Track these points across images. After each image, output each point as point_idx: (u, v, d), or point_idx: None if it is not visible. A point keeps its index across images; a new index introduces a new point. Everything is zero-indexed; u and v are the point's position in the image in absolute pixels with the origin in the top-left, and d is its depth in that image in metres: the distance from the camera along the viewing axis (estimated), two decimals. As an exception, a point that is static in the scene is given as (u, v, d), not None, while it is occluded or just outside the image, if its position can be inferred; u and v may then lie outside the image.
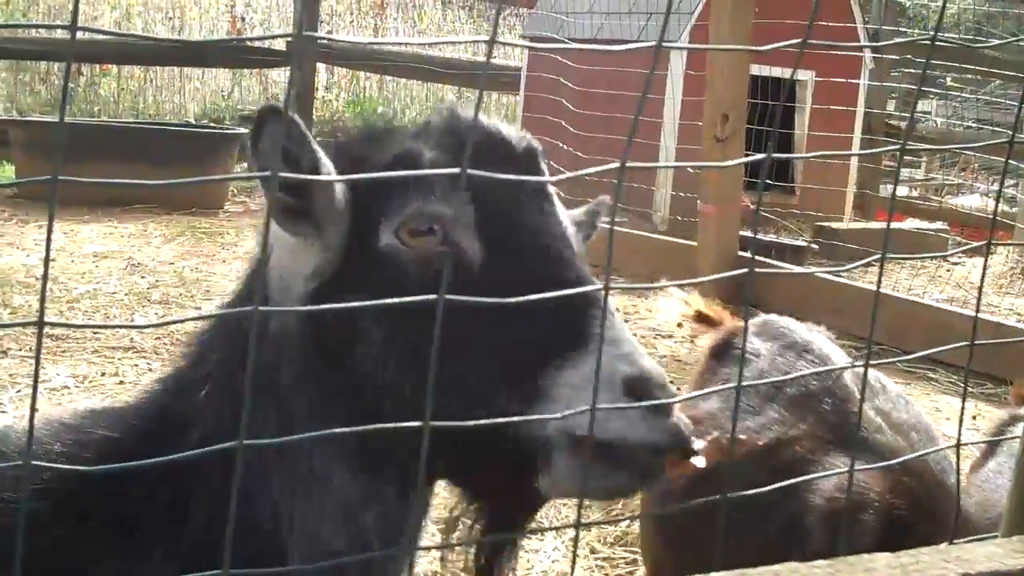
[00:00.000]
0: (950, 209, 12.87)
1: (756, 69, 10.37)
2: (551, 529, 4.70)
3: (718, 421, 3.21)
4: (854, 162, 12.72)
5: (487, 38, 1.30)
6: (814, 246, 10.50)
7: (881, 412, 3.11)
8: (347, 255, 1.91)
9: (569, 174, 1.50)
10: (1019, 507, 1.56)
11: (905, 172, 15.93)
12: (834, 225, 11.14)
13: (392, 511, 1.97)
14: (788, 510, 2.89)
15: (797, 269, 8.55)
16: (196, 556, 1.79)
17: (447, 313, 1.49)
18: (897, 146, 1.58)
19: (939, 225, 12.07)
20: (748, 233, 9.15)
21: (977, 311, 1.71)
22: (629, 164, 1.32)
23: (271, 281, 1.95)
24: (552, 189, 2.01)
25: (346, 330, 1.87)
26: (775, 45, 1.52)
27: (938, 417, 6.22)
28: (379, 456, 1.93)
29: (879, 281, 1.56)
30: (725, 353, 3.50)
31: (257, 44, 15.51)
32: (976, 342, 1.67)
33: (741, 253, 8.88)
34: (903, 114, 15.26)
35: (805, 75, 12.21)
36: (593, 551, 4.66)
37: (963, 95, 15.20)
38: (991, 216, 11.09)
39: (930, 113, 17.54)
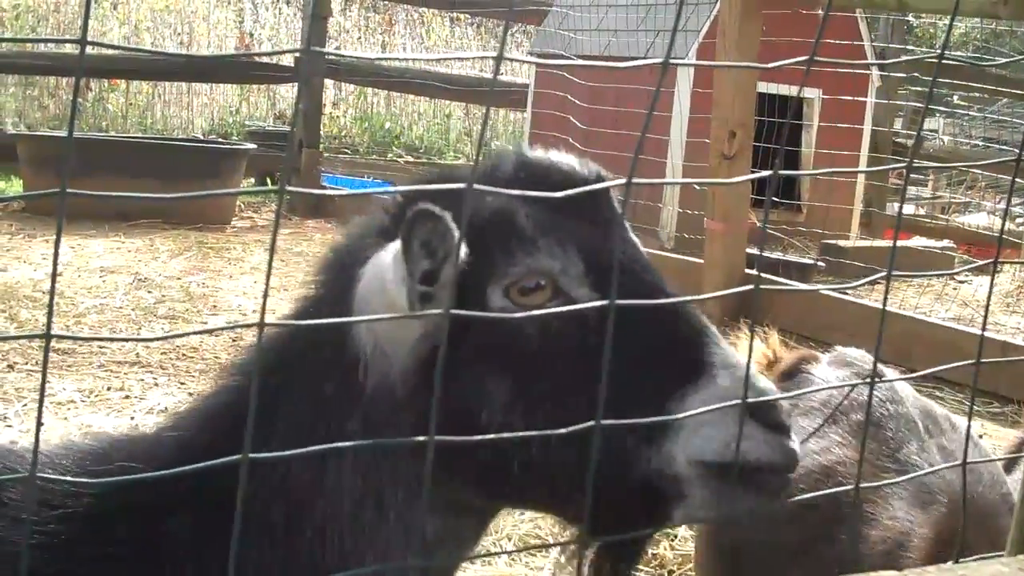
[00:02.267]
0: (956, 227, 12.86)
1: (763, 87, 10.38)
2: (553, 545, 4.69)
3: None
4: (860, 180, 12.72)
5: (494, 54, 1.30)
6: (820, 264, 10.49)
7: (943, 450, 3.10)
8: (456, 320, 1.87)
9: (577, 190, 1.50)
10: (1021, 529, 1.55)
11: (911, 191, 15.94)
12: (840, 243, 11.14)
13: (463, 544, 2.02)
14: (843, 542, 2.90)
15: (803, 286, 8.55)
16: None
17: (567, 362, 1.67)
18: (904, 163, 1.58)
19: (945, 243, 12.05)
20: (755, 250, 9.15)
21: (984, 329, 1.71)
22: (636, 180, 1.32)
23: (364, 348, 1.90)
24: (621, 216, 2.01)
25: (469, 394, 1.84)
26: (783, 62, 1.53)
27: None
28: (476, 510, 1.97)
29: (885, 299, 1.56)
30: (794, 377, 3.53)
31: (265, 60, 15.54)
32: (982, 360, 1.67)
33: (748, 271, 8.88)
34: (910, 132, 15.28)
35: (812, 93, 12.22)
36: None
37: (970, 113, 15.22)
38: (997, 234, 11.09)
39: (937, 131, 17.55)
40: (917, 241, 12.17)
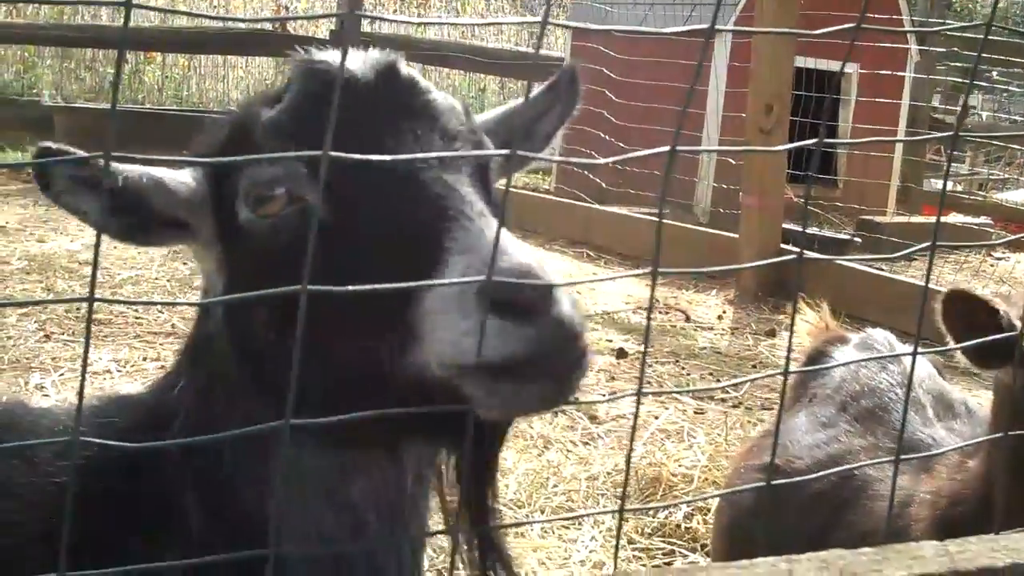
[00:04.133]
0: (994, 204, 12.76)
1: (800, 61, 10.31)
2: (589, 514, 4.70)
3: (794, 435, 3.23)
4: (897, 156, 12.64)
5: (538, 19, 1.29)
6: (857, 239, 10.43)
7: (952, 432, 3.09)
8: (227, 246, 1.90)
9: (618, 157, 1.49)
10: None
11: (952, 167, 15.82)
12: (877, 219, 11.08)
13: (381, 481, 1.92)
14: (853, 523, 2.89)
15: (844, 259, 8.48)
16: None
17: (312, 272, 1.41)
18: (948, 134, 1.56)
19: (983, 220, 11.96)
20: (791, 225, 9.10)
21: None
22: (679, 148, 1.31)
23: (211, 294, 1.98)
24: (433, 96, 1.91)
25: (246, 317, 1.85)
26: (827, 30, 1.51)
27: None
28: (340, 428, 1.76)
29: (928, 272, 1.54)
30: (817, 361, 3.52)
31: (300, 32, 15.54)
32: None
33: (783, 246, 8.83)
34: (948, 107, 15.17)
35: (850, 68, 12.14)
36: (631, 541, 4.65)
37: (1010, 89, 15.07)
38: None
39: (976, 107, 17.41)
40: (954, 218, 12.08)
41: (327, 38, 14.84)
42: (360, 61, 1.93)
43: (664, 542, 4.66)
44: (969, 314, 2.54)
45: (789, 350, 1.56)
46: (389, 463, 1.92)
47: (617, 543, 1.67)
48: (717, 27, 1.33)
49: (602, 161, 1.46)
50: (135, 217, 1.88)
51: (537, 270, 1.52)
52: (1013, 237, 2.12)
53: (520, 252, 1.54)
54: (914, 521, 2.65)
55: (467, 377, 1.55)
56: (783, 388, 1.64)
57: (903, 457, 2.77)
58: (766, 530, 2.97)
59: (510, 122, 2.31)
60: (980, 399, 3.44)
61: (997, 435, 1.98)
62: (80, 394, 1.20)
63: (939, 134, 1.32)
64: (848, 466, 2.70)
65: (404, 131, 1.82)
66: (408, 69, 1.94)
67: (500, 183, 1.95)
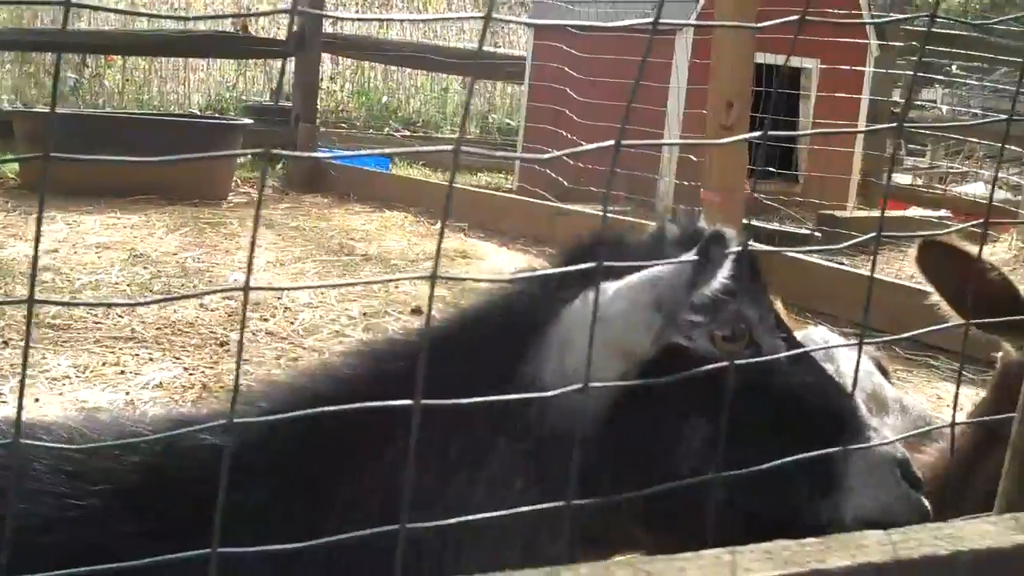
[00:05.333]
0: (953, 197, 12.85)
1: (761, 57, 10.34)
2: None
3: None
4: (858, 150, 12.70)
5: (482, 15, 1.29)
6: (817, 234, 10.48)
7: (886, 427, 3.09)
8: (662, 360, 1.92)
9: (560, 152, 1.49)
10: (1015, 485, 1.55)
11: (909, 160, 15.93)
12: (837, 213, 11.13)
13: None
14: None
15: (790, 251, 8.48)
16: None
17: (758, 409, 1.81)
18: (894, 125, 1.57)
19: (942, 213, 12.04)
20: (752, 221, 9.13)
21: (970, 298, 1.71)
22: (623, 143, 1.31)
23: (545, 387, 1.89)
24: None
25: (664, 435, 1.90)
26: (774, 22, 1.51)
27: (939, 404, 6.21)
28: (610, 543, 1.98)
29: (873, 263, 1.56)
30: None
31: (261, 34, 15.51)
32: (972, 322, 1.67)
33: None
34: (909, 101, 15.24)
35: (810, 63, 12.19)
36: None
37: (968, 82, 15.17)
38: (995, 203, 11.05)
39: (935, 101, 17.51)
40: (914, 212, 12.15)
41: (287, 39, 14.80)
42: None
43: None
44: (948, 265, 2.47)
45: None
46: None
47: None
48: (662, 22, 1.33)
49: (544, 157, 1.46)
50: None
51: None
52: (957, 227, 2.10)
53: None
54: None
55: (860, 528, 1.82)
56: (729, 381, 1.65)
57: (851, 448, 2.79)
58: None
59: None
60: (912, 395, 3.44)
61: (942, 425, 2.00)
62: (19, 401, 1.19)
63: (885, 126, 1.32)
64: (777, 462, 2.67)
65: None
66: None
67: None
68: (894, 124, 1.35)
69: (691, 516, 1.87)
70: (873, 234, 1.60)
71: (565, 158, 11.94)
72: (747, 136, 1.50)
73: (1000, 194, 13.31)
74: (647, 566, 1.12)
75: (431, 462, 1.84)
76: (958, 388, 1.72)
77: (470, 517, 1.64)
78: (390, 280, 1.40)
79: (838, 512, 1.87)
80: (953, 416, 1.70)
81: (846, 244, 1.55)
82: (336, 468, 1.87)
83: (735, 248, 1.84)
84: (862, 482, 1.88)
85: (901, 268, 9.44)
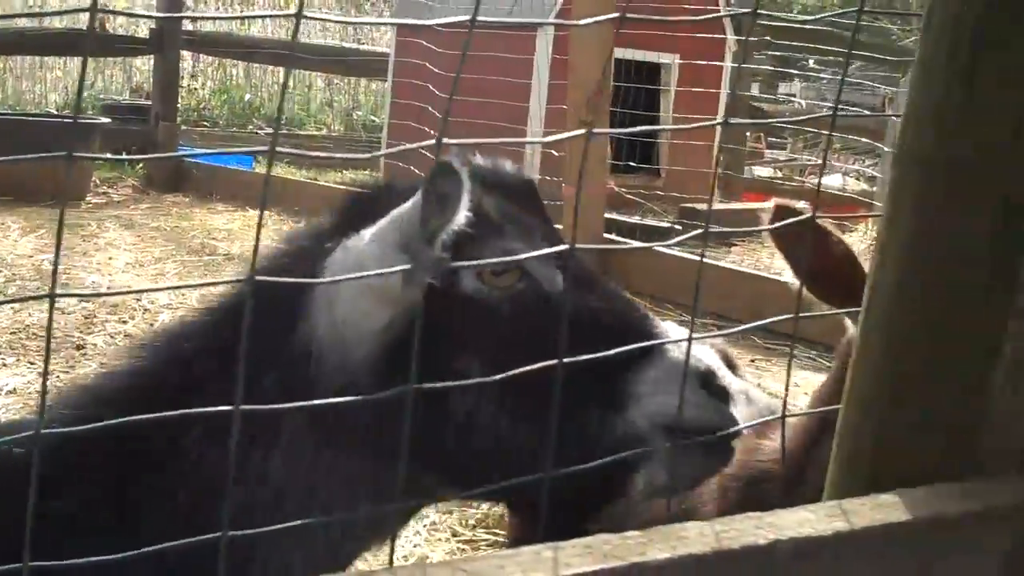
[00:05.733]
0: (811, 189, 13.09)
1: (620, 53, 10.45)
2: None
3: None
4: (717, 144, 12.88)
5: (293, 12, 1.27)
6: (678, 227, 10.60)
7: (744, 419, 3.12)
8: (430, 301, 1.85)
9: (390, 150, 1.48)
10: (841, 473, 1.58)
11: (769, 153, 16.19)
12: (697, 206, 11.27)
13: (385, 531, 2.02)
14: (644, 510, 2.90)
15: (618, 247, 8.61)
16: None
17: (536, 342, 1.72)
18: (721, 121, 1.59)
19: (801, 205, 12.23)
20: (614, 215, 9.22)
21: (800, 288, 1.76)
22: (446, 140, 1.31)
23: (320, 342, 1.87)
24: None
25: (438, 378, 1.79)
26: (592, 20, 1.52)
27: (796, 392, 6.32)
28: (416, 490, 1.94)
29: (702, 254, 1.59)
30: None
31: (121, 32, 15.22)
32: (801, 315, 1.70)
33: (606, 235, 8.94)
34: (768, 95, 15.51)
35: (669, 58, 12.33)
36: (455, 534, 4.65)
37: (822, 76, 15.48)
38: (851, 195, 11.26)
39: (795, 95, 17.82)
40: (773, 203, 12.31)
41: (147, 37, 14.53)
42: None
43: (488, 533, 4.67)
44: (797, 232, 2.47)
45: (688, 351, 1.57)
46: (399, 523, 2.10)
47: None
48: (479, 19, 1.33)
49: (374, 155, 1.45)
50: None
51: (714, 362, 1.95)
52: (792, 220, 2.13)
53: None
54: (702, 504, 2.68)
55: (660, 439, 1.86)
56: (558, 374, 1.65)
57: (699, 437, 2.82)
58: None
59: None
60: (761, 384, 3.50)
61: (772, 418, 2.03)
62: None
63: (713, 121, 1.35)
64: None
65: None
66: None
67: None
68: (720, 121, 1.36)
69: (480, 461, 1.88)
70: (700, 230, 1.62)
71: (427, 153, 11.91)
72: (568, 135, 1.51)
73: (858, 185, 13.61)
74: (466, 565, 1.11)
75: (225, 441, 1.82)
76: (788, 379, 1.75)
77: (311, 522, 1.63)
78: (211, 284, 1.35)
79: (633, 424, 1.86)
80: (783, 408, 1.72)
81: (675, 240, 1.56)
82: (138, 464, 1.86)
83: (468, 179, 1.81)
84: (653, 390, 1.87)
85: (760, 259, 9.60)
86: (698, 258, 6.94)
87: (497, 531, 4.65)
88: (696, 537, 1.24)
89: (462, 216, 1.81)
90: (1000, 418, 1.45)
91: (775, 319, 1.82)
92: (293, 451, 1.86)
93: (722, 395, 1.93)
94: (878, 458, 1.52)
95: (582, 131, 1.41)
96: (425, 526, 4.69)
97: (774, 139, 16.74)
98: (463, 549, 4.55)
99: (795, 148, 16.96)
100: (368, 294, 1.85)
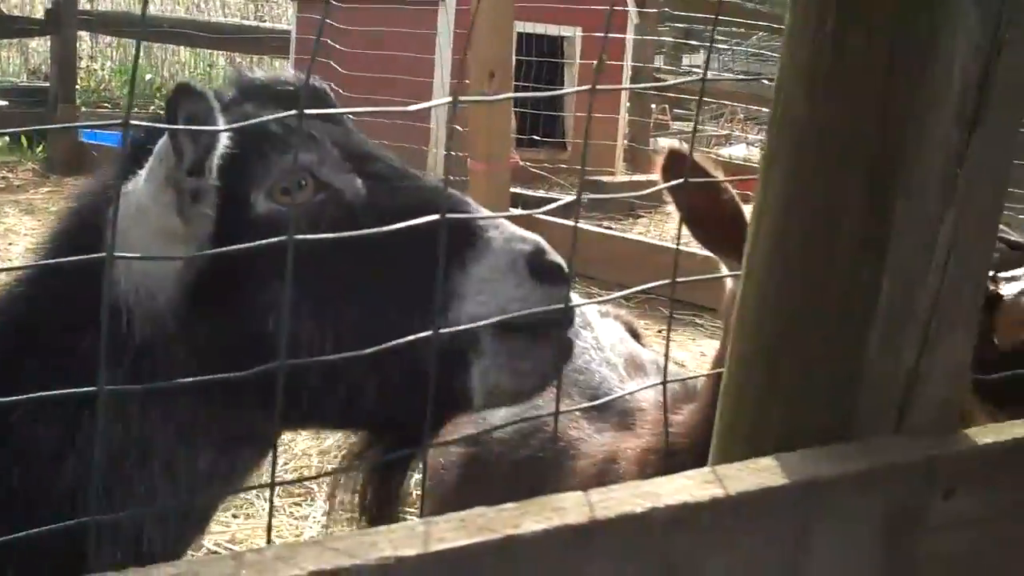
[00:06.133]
0: (715, 159, 13.20)
1: (521, 27, 10.43)
2: (326, 475, 4.65)
3: None
4: (623, 116, 12.93)
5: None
6: (584, 200, 10.62)
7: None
8: (218, 237, 1.81)
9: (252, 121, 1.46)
10: (723, 438, 1.59)
11: (676, 125, 16.28)
12: (604, 179, 11.31)
13: (237, 477, 1.97)
14: (558, 485, 2.89)
15: (485, 216, 8.61)
16: None
17: (345, 255, 1.67)
18: (588, 88, 1.59)
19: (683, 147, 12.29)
20: (519, 189, 9.21)
21: (677, 250, 1.75)
22: (307, 111, 1.29)
23: (126, 295, 1.81)
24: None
25: (251, 305, 1.79)
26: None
27: (703, 361, 6.37)
28: (256, 439, 1.91)
29: (575, 220, 1.58)
30: None
31: (16, 12, 14.93)
32: (679, 279, 1.71)
33: (512, 209, 8.94)
34: (672, 67, 15.59)
35: (570, 31, 12.33)
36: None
37: (720, 47, 15.57)
38: (754, 165, 11.36)
39: (699, 67, 17.92)
40: (666, 147, 12.36)
41: (43, 17, 14.25)
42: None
43: (405, 509, 4.64)
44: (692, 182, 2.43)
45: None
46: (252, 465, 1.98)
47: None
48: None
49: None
50: (205, 180, 1.82)
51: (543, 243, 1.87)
52: (663, 186, 2.10)
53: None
54: (622, 477, 2.69)
55: (490, 337, 1.78)
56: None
57: (588, 405, 2.83)
58: (474, 505, 2.97)
59: None
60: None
61: (657, 384, 2.03)
62: None
63: (578, 88, 1.34)
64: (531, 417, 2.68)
65: (367, 140, 2.02)
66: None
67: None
68: (588, 88, 1.35)
69: (310, 389, 1.83)
70: (572, 198, 1.62)
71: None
72: (430, 103, 1.49)
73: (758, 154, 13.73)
74: (336, 543, 1.10)
75: (54, 412, 1.80)
76: (668, 345, 1.76)
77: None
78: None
79: (456, 322, 1.77)
80: (664, 375, 1.73)
81: (549, 208, 1.56)
82: None
83: (215, 98, 1.75)
84: (478, 288, 1.80)
85: (666, 231, 9.65)
86: (603, 230, 6.97)
87: (406, 509, 4.63)
88: (573, 507, 1.23)
89: (223, 137, 1.76)
90: (876, 378, 1.46)
91: (653, 284, 1.82)
92: (122, 409, 1.81)
93: (553, 274, 1.84)
94: (758, 422, 1.53)
95: (448, 100, 1.40)
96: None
97: (680, 111, 16.83)
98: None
99: (701, 120, 17.05)
100: (156, 237, 1.79)
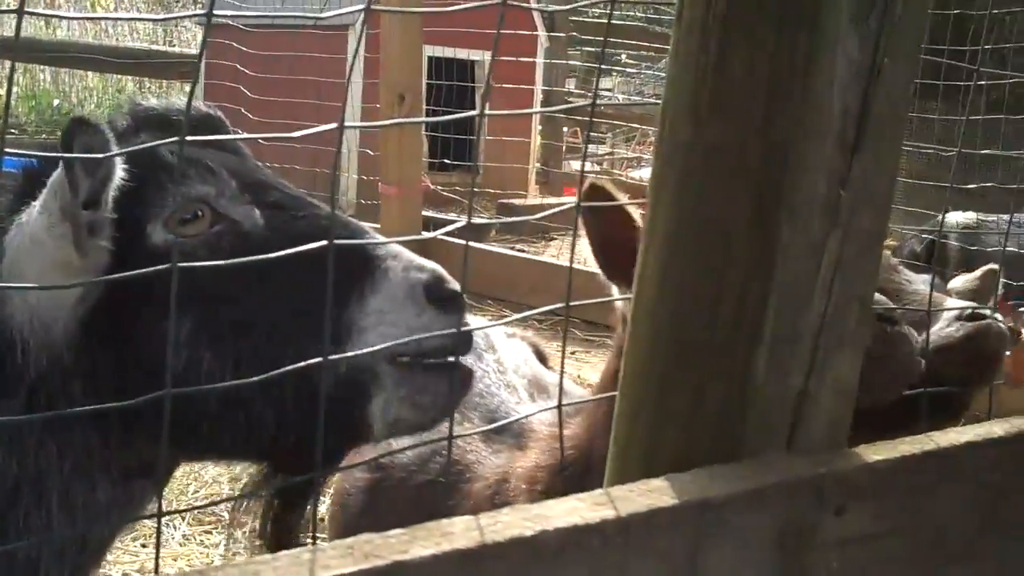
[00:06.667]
0: (625, 182, 13.30)
1: (431, 51, 10.45)
2: (227, 500, 4.60)
3: None
4: (535, 139, 12.99)
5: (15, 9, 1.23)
6: (496, 223, 10.67)
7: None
8: (115, 269, 1.78)
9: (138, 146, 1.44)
10: (618, 459, 1.59)
11: (590, 148, 16.39)
12: (515, 202, 11.36)
13: (135, 507, 1.95)
14: (456, 507, 2.89)
15: (395, 240, 8.61)
16: None
17: (242, 285, 1.70)
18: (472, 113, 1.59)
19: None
20: (430, 213, 9.22)
21: (570, 273, 1.76)
22: (189, 138, 1.28)
23: (21, 327, 1.78)
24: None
25: (148, 336, 1.77)
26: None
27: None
28: (147, 462, 1.88)
29: (467, 247, 1.58)
30: None
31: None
32: (572, 302, 1.72)
33: (424, 233, 8.94)
34: (583, 91, 15.68)
35: (481, 55, 12.37)
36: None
37: (634, 72, 15.70)
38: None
39: (612, 90, 18.06)
40: (588, 183, 12.44)
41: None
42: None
43: (308, 537, 4.61)
44: (608, 218, 2.45)
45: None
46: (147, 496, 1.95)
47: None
48: (215, 13, 1.31)
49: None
50: (101, 212, 1.80)
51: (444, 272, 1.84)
52: (563, 207, 2.13)
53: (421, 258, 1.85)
54: (513, 496, 2.70)
55: (390, 369, 1.77)
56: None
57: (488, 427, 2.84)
58: (378, 529, 2.96)
59: None
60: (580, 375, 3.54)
61: (552, 407, 2.03)
62: None
63: (469, 113, 1.33)
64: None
65: (262, 169, 2.05)
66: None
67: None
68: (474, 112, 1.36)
69: (207, 421, 1.82)
70: (463, 223, 1.62)
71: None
72: (319, 129, 1.49)
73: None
74: (218, 573, 1.09)
75: None
76: (563, 367, 1.77)
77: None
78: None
79: (356, 359, 1.75)
80: (559, 398, 1.73)
81: (437, 233, 1.56)
82: None
83: (110, 131, 1.74)
84: (377, 319, 1.78)
85: (578, 251, 9.68)
86: (516, 253, 7.00)
87: (319, 534, 4.60)
88: (462, 532, 1.23)
89: (119, 169, 1.75)
90: (764, 401, 1.48)
91: (549, 307, 1.83)
92: (19, 441, 1.79)
93: (452, 302, 1.82)
94: (651, 444, 1.54)
95: (333, 125, 1.39)
96: (244, 534, 4.61)
97: (593, 134, 16.93)
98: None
99: (615, 143, 17.17)
100: (52, 269, 1.76)
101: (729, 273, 1.46)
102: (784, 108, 1.41)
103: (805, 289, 1.47)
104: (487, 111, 1.58)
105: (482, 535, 1.23)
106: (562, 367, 1.77)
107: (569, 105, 7.93)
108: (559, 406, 1.75)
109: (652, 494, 1.38)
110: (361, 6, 1.31)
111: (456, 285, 1.83)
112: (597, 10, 14.51)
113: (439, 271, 1.84)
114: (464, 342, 1.82)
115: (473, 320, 3.72)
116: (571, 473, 2.59)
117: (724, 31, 1.42)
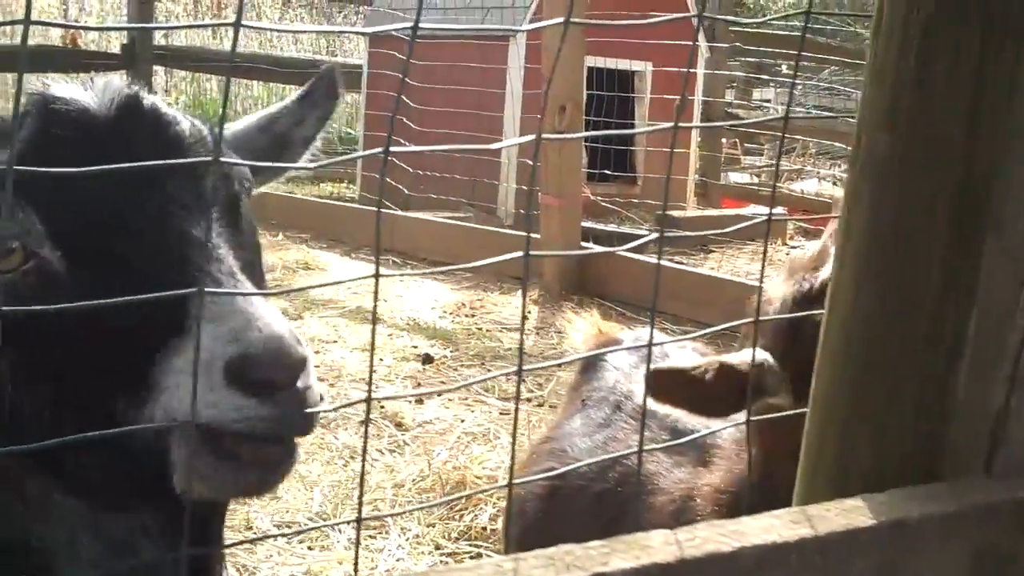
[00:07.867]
0: (787, 194, 13.13)
1: (592, 61, 10.46)
2: (328, 525, 4.66)
3: (572, 440, 3.23)
4: (693, 151, 12.91)
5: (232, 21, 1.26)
6: (655, 235, 10.62)
7: (714, 426, 3.10)
8: None
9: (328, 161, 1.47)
10: (807, 478, 1.57)
11: (747, 160, 16.24)
12: (675, 213, 11.29)
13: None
14: (636, 520, 2.87)
15: (577, 252, 8.61)
16: None
17: (50, 329, 1.58)
18: (670, 125, 1.59)
19: (779, 210, 12.28)
20: (591, 224, 9.23)
21: (760, 291, 1.74)
22: (392, 149, 1.30)
23: None
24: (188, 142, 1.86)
25: None
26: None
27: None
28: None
29: (659, 257, 1.57)
30: (594, 365, 3.50)
31: (93, 48, 15.17)
32: (761, 318, 1.69)
33: (584, 244, 8.96)
34: (742, 102, 15.54)
35: (642, 66, 12.34)
36: (438, 547, 4.64)
37: (794, 82, 15.53)
38: (827, 200, 11.28)
39: (770, 101, 17.87)
40: (751, 209, 12.37)
41: (119, 52, 14.47)
42: (98, 95, 1.85)
43: (471, 546, 4.66)
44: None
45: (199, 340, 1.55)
46: None
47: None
48: (447, 27, 1.33)
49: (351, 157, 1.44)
50: None
51: (289, 341, 1.56)
52: (744, 224, 2.10)
53: (272, 321, 1.57)
54: (698, 516, 2.67)
55: (185, 441, 1.59)
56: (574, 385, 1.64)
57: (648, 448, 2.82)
58: (554, 539, 2.97)
59: (271, 129, 2.30)
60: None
61: (741, 423, 2.00)
62: None
63: (663, 127, 1.33)
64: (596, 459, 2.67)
65: (143, 187, 1.75)
66: (152, 100, 1.88)
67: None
68: (670, 127, 1.37)
69: (84, 467, 1.74)
70: (656, 236, 1.61)
71: (404, 165, 11.91)
72: (518, 140, 1.50)
73: (835, 190, 13.65)
74: (425, 579, 1.10)
75: None
76: (750, 384, 1.75)
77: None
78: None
79: (150, 419, 1.60)
80: (748, 414, 1.71)
81: (630, 246, 1.55)
82: None
83: None
84: (176, 382, 1.59)
85: (737, 266, 9.62)
86: (676, 265, 6.98)
87: (479, 543, 4.64)
88: (660, 546, 1.23)
89: None
90: (965, 419, 1.45)
91: (736, 323, 1.81)
92: None
93: (258, 387, 1.57)
94: (843, 463, 1.51)
95: (531, 137, 1.41)
96: (408, 539, 4.68)
97: (751, 145, 16.78)
98: (445, 561, 4.54)
99: (772, 154, 16.98)
100: None
101: (926, 287, 1.43)
102: (987, 120, 1.38)
103: (1008, 305, 1.43)
104: (675, 124, 1.57)
105: (680, 550, 1.23)
106: (749, 384, 1.74)
107: (759, 119, 7.83)
108: (747, 421, 1.73)
109: (848, 513, 1.36)
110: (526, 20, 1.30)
111: (279, 370, 1.57)
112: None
113: (261, 347, 1.56)
114: (268, 430, 1.60)
115: (635, 332, 3.72)
116: (752, 498, 2.56)
117: (924, 43, 1.39)
